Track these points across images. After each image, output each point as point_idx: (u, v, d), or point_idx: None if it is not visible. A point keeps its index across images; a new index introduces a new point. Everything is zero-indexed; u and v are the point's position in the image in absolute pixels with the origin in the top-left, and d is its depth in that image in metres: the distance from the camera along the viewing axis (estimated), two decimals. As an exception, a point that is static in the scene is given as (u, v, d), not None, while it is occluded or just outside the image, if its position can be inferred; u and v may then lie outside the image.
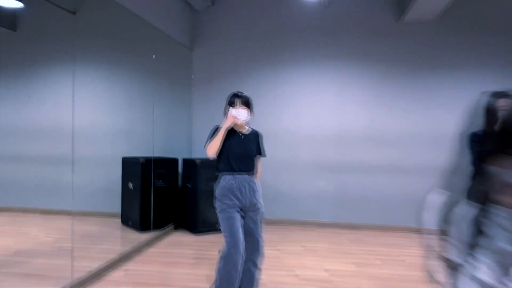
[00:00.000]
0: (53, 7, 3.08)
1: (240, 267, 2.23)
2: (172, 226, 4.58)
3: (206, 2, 5.09)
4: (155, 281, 3.04)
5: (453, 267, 1.59)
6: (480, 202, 2.23)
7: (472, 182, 2.32)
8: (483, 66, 4.61)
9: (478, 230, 1.53)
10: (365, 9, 4.85)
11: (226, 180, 2.37)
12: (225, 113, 2.42)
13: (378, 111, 4.83)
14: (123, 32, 4.13)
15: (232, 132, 2.40)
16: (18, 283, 2.82)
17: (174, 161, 4.66)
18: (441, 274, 1.65)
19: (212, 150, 2.34)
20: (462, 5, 4.59)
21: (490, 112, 1.95)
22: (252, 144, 2.46)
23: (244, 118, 2.38)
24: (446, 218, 1.82)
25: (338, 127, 4.90)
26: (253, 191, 2.38)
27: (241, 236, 2.26)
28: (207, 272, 3.22)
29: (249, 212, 2.37)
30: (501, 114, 1.75)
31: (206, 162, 4.34)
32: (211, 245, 3.99)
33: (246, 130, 2.50)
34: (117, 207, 4.39)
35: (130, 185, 4.27)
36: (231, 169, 2.36)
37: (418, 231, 1.77)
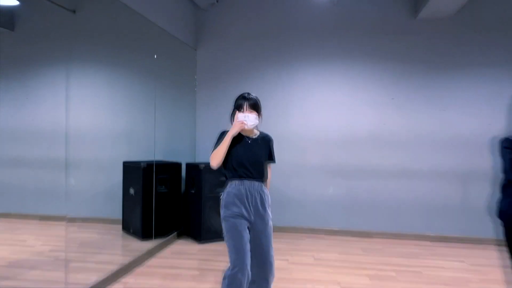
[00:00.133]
0: (52, 6, 3.01)
1: None
2: (175, 234, 4.40)
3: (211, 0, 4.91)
4: (156, 296, 2.85)
5: None
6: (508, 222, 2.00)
7: (503, 195, 2.10)
8: (502, 65, 4.38)
9: None
10: (377, 4, 4.64)
11: (233, 186, 2.17)
12: (232, 118, 2.23)
13: (391, 112, 4.61)
14: (124, 31, 4.04)
15: (238, 137, 2.19)
16: (9, 298, 2.66)
17: (177, 165, 4.50)
18: None
19: (215, 160, 2.15)
20: (481, 0, 4.36)
21: None
22: (261, 149, 2.25)
23: (253, 123, 2.17)
24: None
25: (349, 129, 4.69)
26: (262, 201, 2.17)
27: (247, 252, 2.06)
28: (212, 285, 3.02)
29: (257, 224, 2.16)
30: None
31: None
32: (216, 255, 3.80)
33: (254, 134, 2.30)
34: (118, 213, 4.26)
35: (131, 191, 4.11)
36: (239, 176, 2.16)
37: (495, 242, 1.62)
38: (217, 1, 4.93)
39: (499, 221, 2.08)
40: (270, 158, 2.31)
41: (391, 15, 4.61)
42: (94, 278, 2.94)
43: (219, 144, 2.15)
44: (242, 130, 2.17)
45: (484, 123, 4.41)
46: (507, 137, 2.07)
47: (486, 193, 4.38)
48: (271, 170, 2.40)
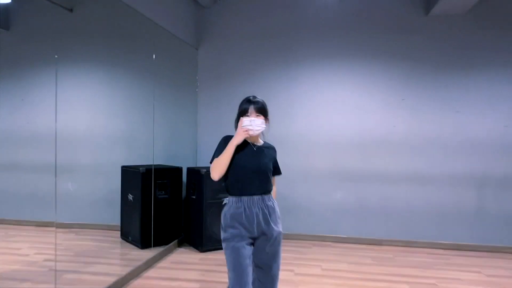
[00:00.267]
0: (48, 4, 2.94)
1: None
2: (176, 242, 4.21)
3: (213, -3, 4.74)
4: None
5: None
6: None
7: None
8: (521, 64, 4.17)
9: None
10: (386, 0, 4.43)
11: (230, 204, 1.99)
12: (236, 125, 2.01)
13: (403, 114, 4.40)
14: (123, 30, 3.92)
15: (242, 144, 1.98)
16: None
17: (177, 170, 4.32)
18: None
19: (216, 171, 1.96)
20: (497, -4, 4.16)
21: None
22: (267, 159, 2.05)
23: (259, 129, 1.95)
24: None
25: (358, 132, 4.48)
26: (265, 215, 1.97)
27: (248, 275, 1.87)
28: (213, 300, 2.84)
29: (260, 239, 1.96)
30: None
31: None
32: (218, 265, 3.62)
33: (259, 142, 2.10)
34: (116, 220, 4.12)
35: (130, 197, 3.94)
36: (239, 190, 1.97)
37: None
38: (219, -1, 4.76)
39: None
40: (275, 169, 2.12)
41: (401, 12, 4.40)
42: (88, 292, 2.77)
43: (220, 152, 1.96)
44: (247, 136, 1.97)
45: (499, 125, 4.22)
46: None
47: (503, 199, 4.19)
48: (275, 182, 2.20)
